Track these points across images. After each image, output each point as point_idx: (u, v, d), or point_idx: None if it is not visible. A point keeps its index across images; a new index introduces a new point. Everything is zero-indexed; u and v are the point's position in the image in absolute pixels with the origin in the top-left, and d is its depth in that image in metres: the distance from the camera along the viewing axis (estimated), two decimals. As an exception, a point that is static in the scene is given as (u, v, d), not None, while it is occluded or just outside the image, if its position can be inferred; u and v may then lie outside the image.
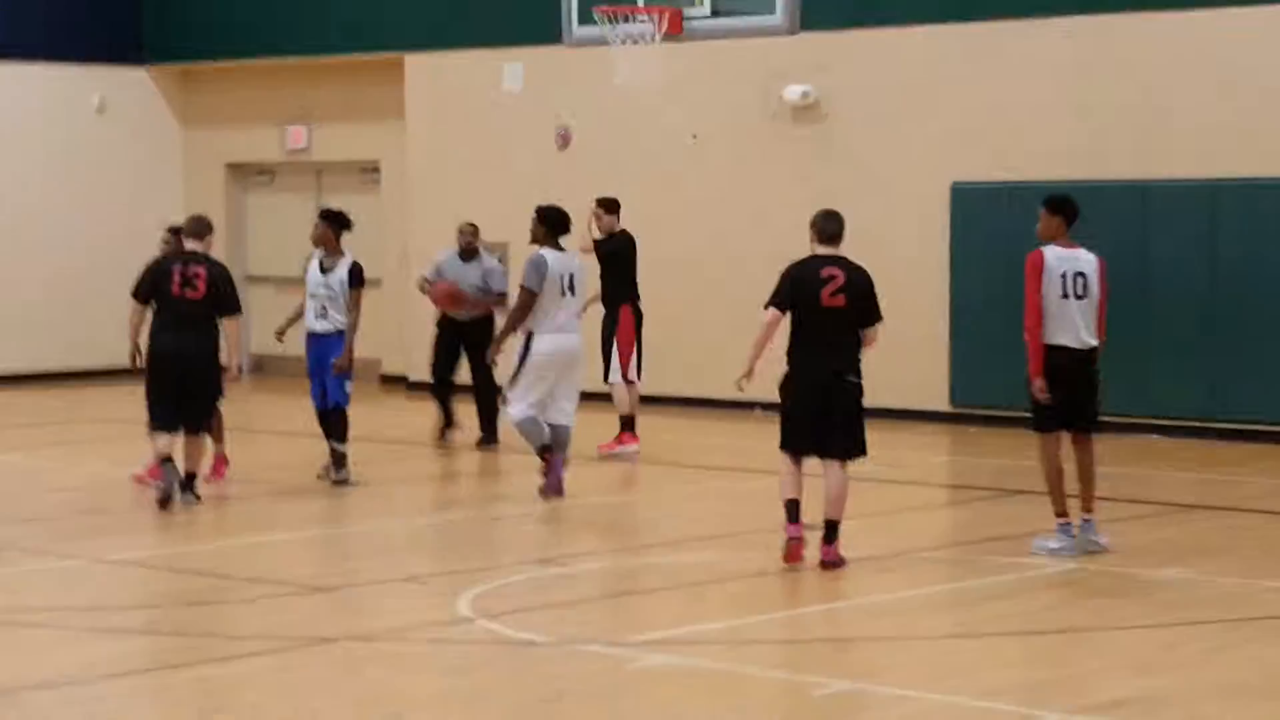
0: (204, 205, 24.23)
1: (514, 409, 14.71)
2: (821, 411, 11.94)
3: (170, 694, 9.18)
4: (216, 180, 25.70)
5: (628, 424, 17.37)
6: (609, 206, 17.58)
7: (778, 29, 16.53)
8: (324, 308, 15.56)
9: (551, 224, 14.84)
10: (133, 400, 15.16)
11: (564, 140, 22.18)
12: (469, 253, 17.98)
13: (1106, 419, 18.51)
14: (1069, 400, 12.45)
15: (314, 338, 15.63)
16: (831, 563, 11.93)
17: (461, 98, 22.98)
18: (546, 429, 14.72)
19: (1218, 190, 18.27)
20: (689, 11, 16.67)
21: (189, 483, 14.61)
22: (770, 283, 12.36)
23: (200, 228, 14.95)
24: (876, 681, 9.25)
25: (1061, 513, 12.56)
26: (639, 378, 17.45)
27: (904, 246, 19.74)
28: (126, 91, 25.42)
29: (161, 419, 14.49)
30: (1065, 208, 12.60)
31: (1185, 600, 11.21)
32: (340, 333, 15.52)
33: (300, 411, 16.09)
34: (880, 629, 10.57)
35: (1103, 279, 12.54)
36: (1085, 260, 12.49)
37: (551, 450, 14.75)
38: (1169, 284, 18.46)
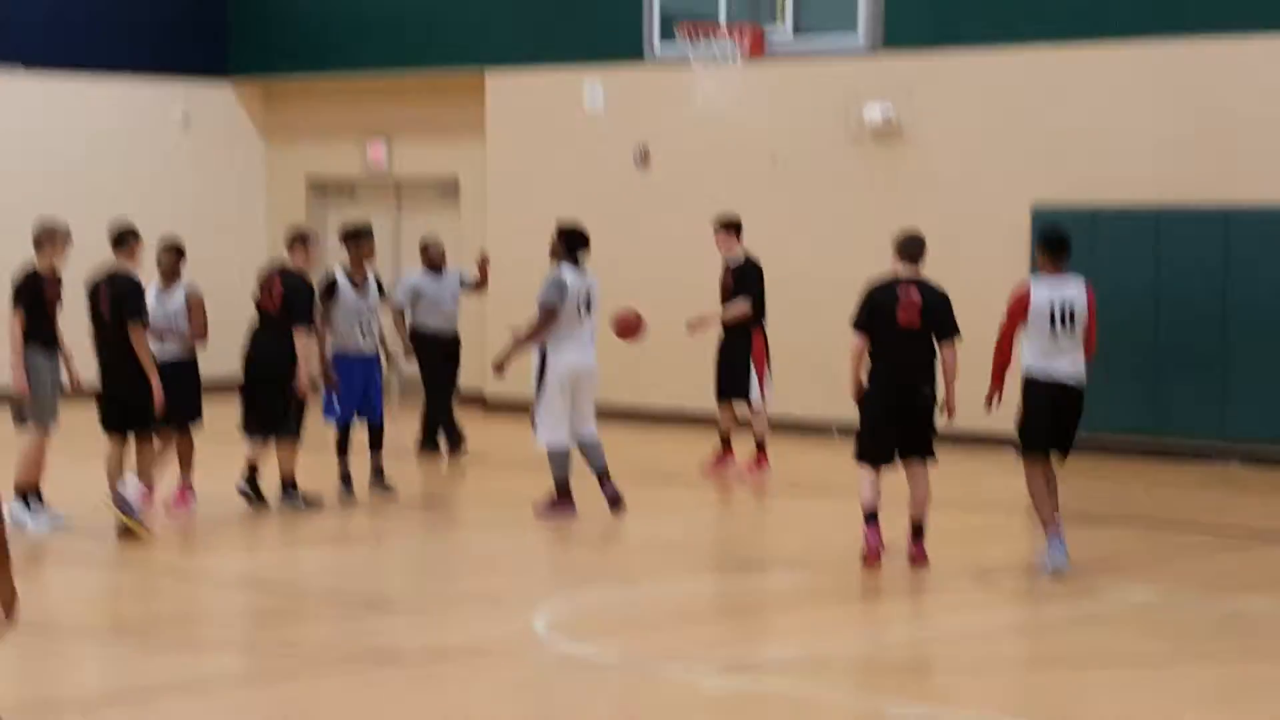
0: (286, 219, 24.34)
1: (543, 434, 14.73)
2: (900, 422, 12.60)
3: (246, 709, 9.21)
4: (298, 195, 25.82)
5: (761, 447, 17.34)
6: (729, 226, 17.46)
7: (859, 50, 16.45)
8: (368, 325, 15.65)
9: (570, 242, 14.76)
10: (210, 416, 15.21)
11: (643, 159, 22.19)
12: (438, 266, 18.20)
13: (1187, 444, 18.48)
14: (1055, 426, 12.86)
15: (359, 360, 15.61)
16: (918, 558, 12.61)
17: (542, 115, 23.02)
18: (571, 461, 14.77)
19: (1302, 216, 18.12)
20: (771, 31, 16.62)
21: (286, 489, 14.98)
22: (848, 303, 12.75)
23: (288, 239, 15.39)
24: (953, 708, 9.19)
25: (1049, 524, 12.83)
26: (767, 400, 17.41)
27: (985, 270, 19.63)
28: (211, 106, 25.57)
29: (244, 424, 15.03)
30: (1052, 242, 12.96)
31: (1266, 631, 11.09)
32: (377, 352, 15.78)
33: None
34: (958, 655, 10.50)
35: (1091, 302, 12.79)
36: (1074, 288, 12.78)
37: (568, 486, 14.72)
38: (1250, 310, 18.29)
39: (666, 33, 17.21)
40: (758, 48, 16.77)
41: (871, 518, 12.61)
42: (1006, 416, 19.35)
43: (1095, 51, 19.14)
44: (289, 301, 14.85)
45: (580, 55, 22.53)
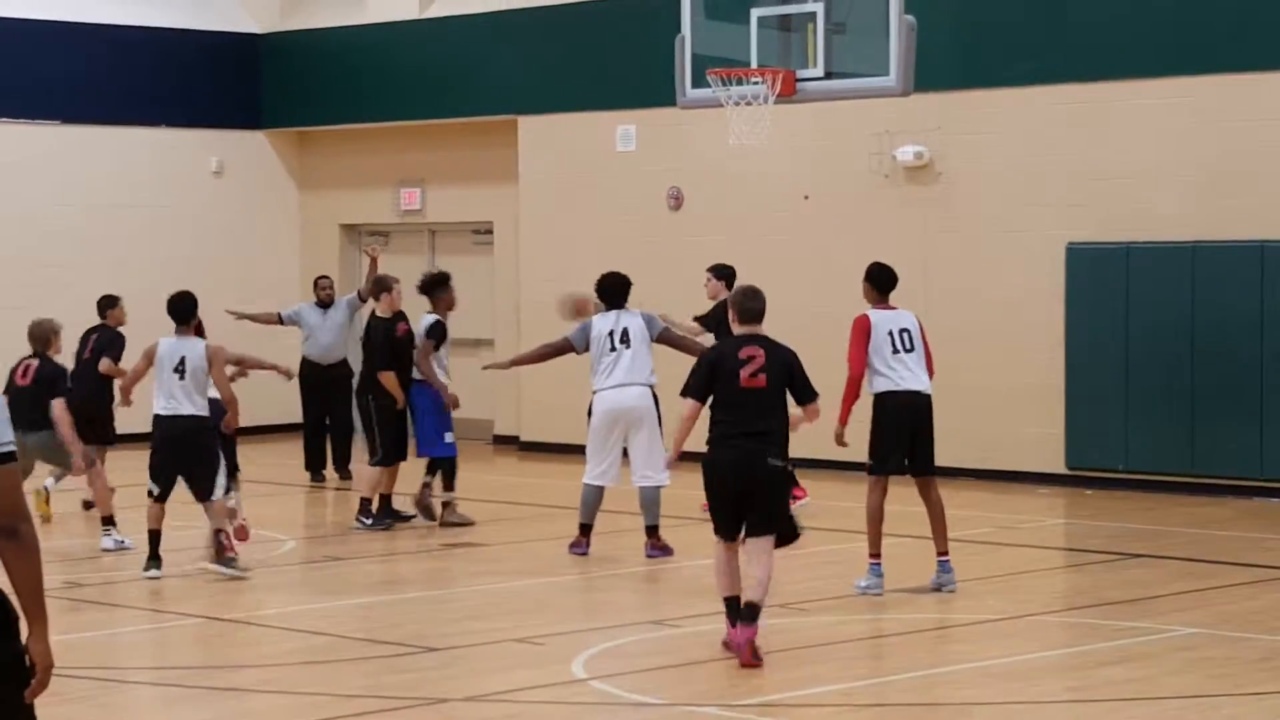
0: (319, 265, 24.43)
1: (585, 473, 15.19)
2: (744, 493, 11.17)
3: (285, 753, 9.22)
4: (331, 241, 25.92)
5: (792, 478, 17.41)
6: (717, 272, 17.47)
7: (891, 90, 16.45)
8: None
9: (601, 292, 15.23)
10: (247, 459, 15.29)
11: (676, 201, 22.24)
12: (326, 303, 20.24)
13: (1224, 483, 18.43)
14: (913, 445, 13.15)
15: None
16: (749, 656, 10.87)
17: (575, 158, 23.09)
18: (597, 503, 15.10)
19: (1337, 251, 18.08)
20: (802, 73, 16.63)
21: (360, 507, 16.60)
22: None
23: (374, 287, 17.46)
24: (993, 747, 9.17)
25: (875, 554, 13.16)
26: None
27: (1019, 308, 19.65)
28: (244, 155, 25.71)
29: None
30: (876, 276, 13.43)
31: (1307, 666, 11.05)
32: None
33: (412, 468, 16.55)
34: (996, 693, 10.48)
35: (924, 333, 13.30)
36: (907, 318, 13.26)
37: (589, 528, 15.15)
38: (1286, 345, 18.24)
39: (699, 76, 17.28)
40: (789, 89, 16.80)
41: (734, 612, 11.10)
42: (1050, 455, 19.40)
43: (1125, 88, 19.15)
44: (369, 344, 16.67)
45: (612, 100, 22.61)
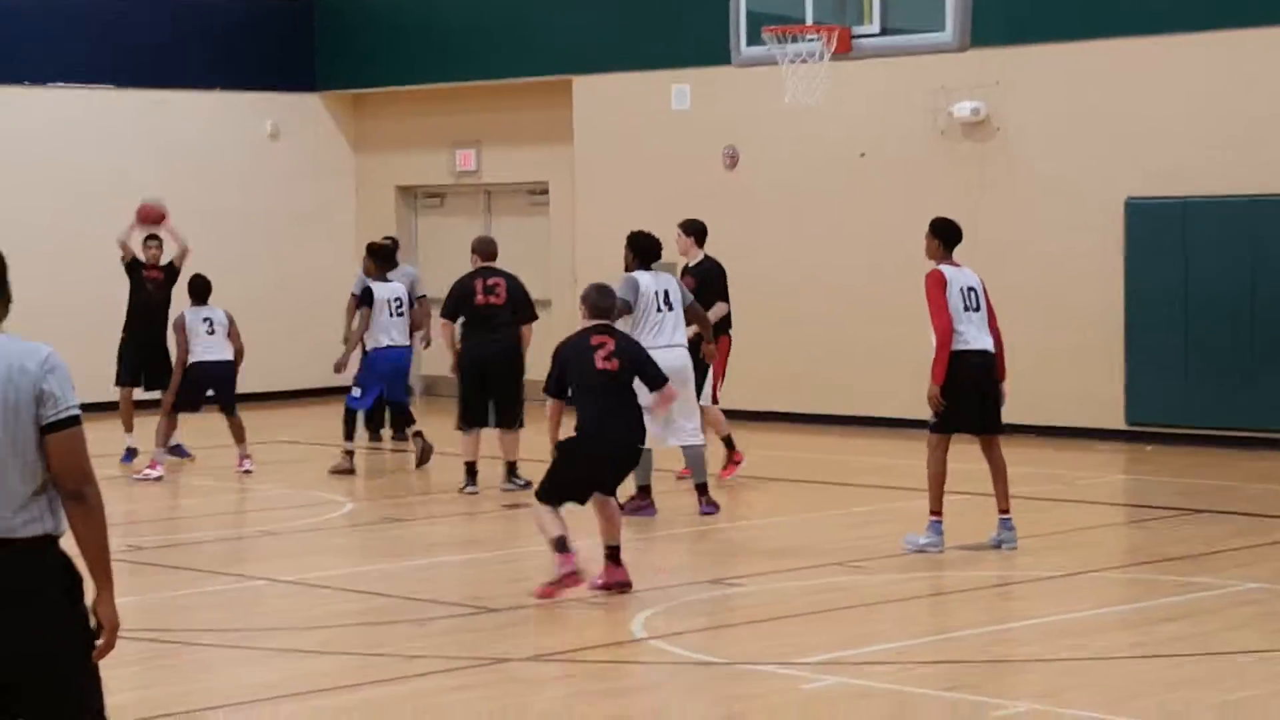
0: (376, 227, 24.49)
1: None
2: (614, 471, 11.97)
3: (346, 714, 9.26)
4: (387, 203, 25.96)
5: (730, 443, 17.11)
6: (687, 229, 17.11)
7: (947, 46, 16.40)
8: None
9: (639, 251, 14.96)
10: (307, 422, 15.34)
11: (731, 160, 22.19)
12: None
13: (1261, 435, 18.33)
14: (981, 404, 13.05)
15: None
16: (622, 583, 11.88)
17: (630, 118, 23.06)
18: (649, 463, 14.88)
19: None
20: (858, 30, 16.58)
21: (511, 470, 16.34)
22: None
23: (491, 248, 17.03)
24: (1055, 703, 9.15)
25: (936, 511, 13.09)
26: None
27: (1077, 263, 19.56)
28: (299, 117, 25.75)
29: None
30: (944, 231, 13.26)
31: (1370, 621, 10.99)
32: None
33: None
34: (1056, 649, 10.45)
35: (987, 294, 13.20)
36: (972, 276, 13.17)
37: (648, 489, 15.05)
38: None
39: (754, 35, 17.25)
40: (845, 46, 16.74)
41: (563, 546, 11.59)
42: (1109, 410, 19.33)
43: (1183, 41, 19.03)
44: (516, 297, 16.70)
45: (667, 59, 22.57)
